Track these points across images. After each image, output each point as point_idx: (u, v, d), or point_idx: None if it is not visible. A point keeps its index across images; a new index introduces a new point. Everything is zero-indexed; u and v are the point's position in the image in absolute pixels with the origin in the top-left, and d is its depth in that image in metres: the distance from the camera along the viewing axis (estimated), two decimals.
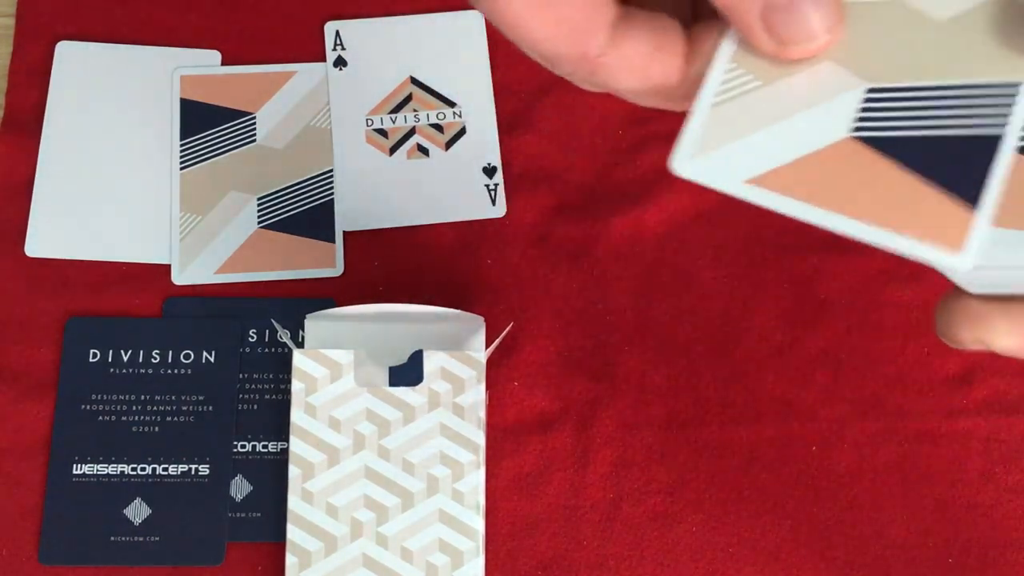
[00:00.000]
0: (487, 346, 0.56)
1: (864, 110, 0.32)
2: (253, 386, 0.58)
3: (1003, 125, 0.31)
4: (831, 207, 0.31)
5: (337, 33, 0.64)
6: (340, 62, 0.63)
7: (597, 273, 0.60)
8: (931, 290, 0.59)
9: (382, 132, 0.62)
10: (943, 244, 0.30)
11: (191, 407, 0.57)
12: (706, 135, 0.33)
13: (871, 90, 0.32)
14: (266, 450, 0.57)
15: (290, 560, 0.53)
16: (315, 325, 0.56)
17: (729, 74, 0.34)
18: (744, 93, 0.33)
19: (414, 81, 0.63)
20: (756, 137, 0.32)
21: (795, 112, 0.33)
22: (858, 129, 0.32)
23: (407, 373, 0.56)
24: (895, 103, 0.32)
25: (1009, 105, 0.31)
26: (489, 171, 0.61)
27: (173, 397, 0.57)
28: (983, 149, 0.31)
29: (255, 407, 0.57)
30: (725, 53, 0.34)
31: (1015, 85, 0.31)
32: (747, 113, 0.33)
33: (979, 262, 0.31)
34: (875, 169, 0.31)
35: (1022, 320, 0.34)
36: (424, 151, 0.62)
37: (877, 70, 0.33)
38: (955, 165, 0.31)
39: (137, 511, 0.55)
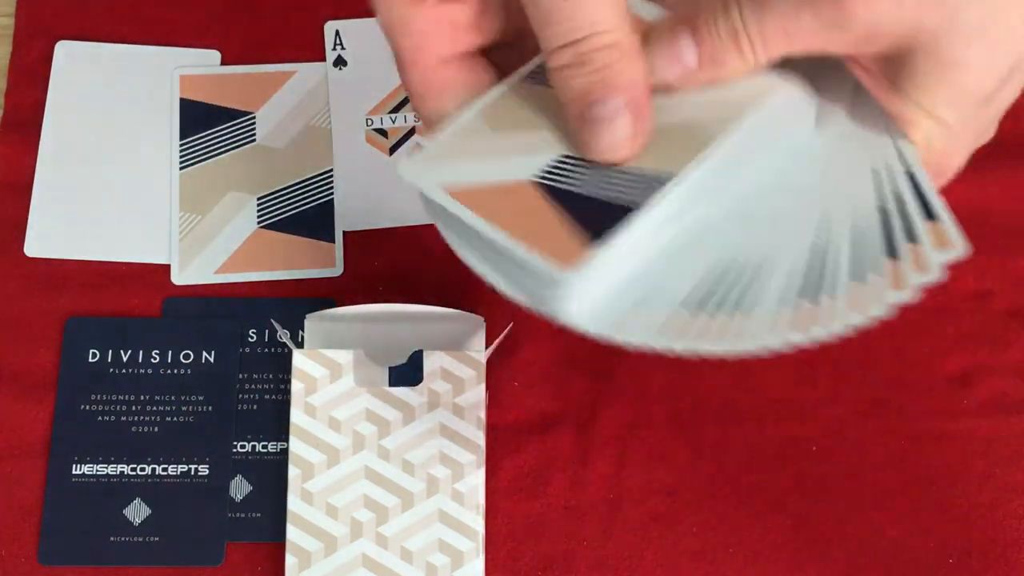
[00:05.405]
0: (487, 346, 0.56)
1: (551, 166, 0.40)
2: (253, 386, 0.58)
3: (639, 202, 0.38)
4: (488, 218, 0.39)
5: (337, 33, 0.64)
6: (340, 62, 0.63)
7: None
8: (931, 290, 0.59)
9: (382, 132, 0.62)
10: (560, 261, 0.38)
11: (191, 407, 0.57)
12: (434, 155, 0.41)
13: (563, 155, 0.40)
14: (266, 450, 0.57)
15: (290, 560, 0.53)
16: (315, 325, 0.56)
17: (472, 120, 0.41)
18: (476, 132, 0.41)
19: None
20: (466, 163, 0.40)
21: (505, 155, 0.40)
22: (540, 177, 0.40)
23: (407, 373, 0.56)
24: (574, 168, 0.40)
25: (653, 189, 0.39)
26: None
27: (173, 397, 0.57)
28: (619, 213, 0.38)
29: (255, 407, 0.57)
30: (477, 105, 0.41)
31: (661, 178, 0.39)
32: (472, 146, 0.41)
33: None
34: (536, 204, 0.39)
35: None
36: None
37: (573, 144, 0.40)
38: (596, 217, 0.39)
39: (137, 511, 0.55)
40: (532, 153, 0.40)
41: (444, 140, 0.41)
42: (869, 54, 0.39)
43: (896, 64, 0.39)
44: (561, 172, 0.40)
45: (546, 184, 0.40)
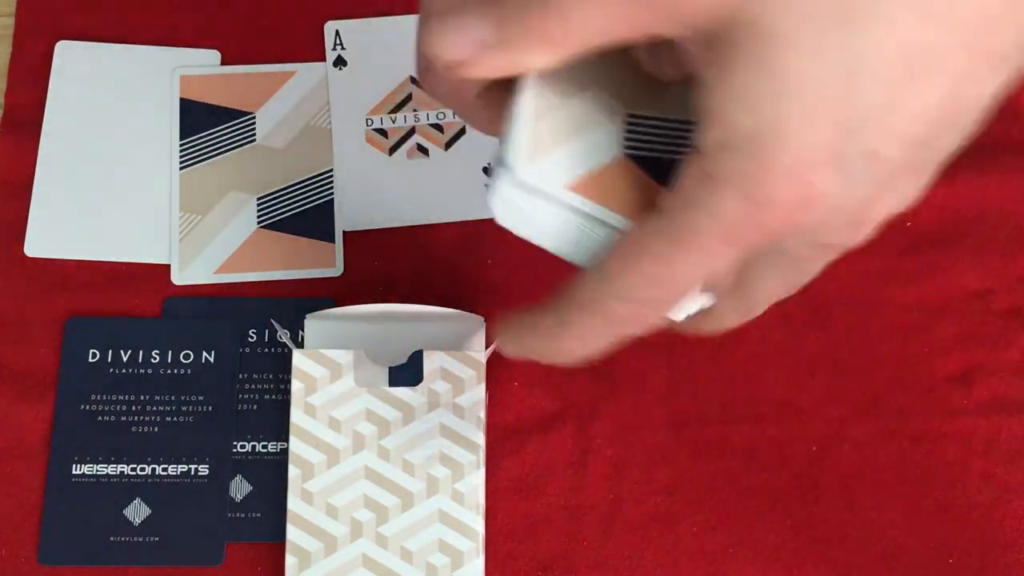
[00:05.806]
0: (487, 346, 0.56)
1: (629, 132, 0.36)
2: (253, 386, 0.58)
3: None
4: (623, 212, 0.36)
5: (337, 33, 0.64)
6: (340, 62, 0.63)
7: None
8: (931, 290, 0.59)
9: (382, 132, 0.62)
10: None
11: (191, 407, 0.57)
12: (533, 145, 0.36)
13: (628, 115, 0.37)
14: (266, 450, 0.57)
15: (290, 560, 0.53)
16: (315, 325, 0.56)
17: (539, 88, 0.36)
18: (550, 109, 0.36)
19: (414, 81, 0.63)
20: (565, 150, 0.36)
21: (583, 126, 0.36)
22: (628, 149, 0.36)
23: (407, 373, 0.56)
24: (641, 125, 0.37)
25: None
26: (489, 171, 0.61)
27: (173, 397, 0.57)
28: None
29: (255, 407, 0.57)
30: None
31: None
32: (555, 127, 0.36)
33: None
34: (644, 184, 0.36)
35: None
36: (424, 151, 0.62)
37: (633, 99, 0.37)
38: None
39: (137, 511, 0.55)
40: (606, 117, 0.36)
41: (532, 124, 0.36)
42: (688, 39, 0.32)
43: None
44: (638, 135, 0.36)
45: (636, 156, 0.36)
